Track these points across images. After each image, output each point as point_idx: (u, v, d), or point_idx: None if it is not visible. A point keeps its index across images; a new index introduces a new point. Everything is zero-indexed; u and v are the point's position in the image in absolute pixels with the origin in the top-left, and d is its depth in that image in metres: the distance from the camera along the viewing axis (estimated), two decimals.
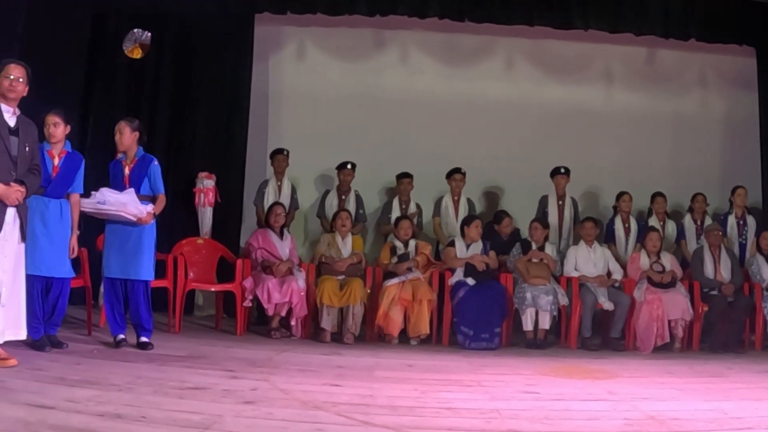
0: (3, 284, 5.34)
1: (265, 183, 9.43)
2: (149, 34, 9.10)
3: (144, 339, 6.69)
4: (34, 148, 5.71)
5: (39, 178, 5.76)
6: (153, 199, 6.87)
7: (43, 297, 6.28)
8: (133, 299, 6.75)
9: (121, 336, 6.75)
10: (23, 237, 5.59)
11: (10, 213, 5.43)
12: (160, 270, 8.03)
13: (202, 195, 9.23)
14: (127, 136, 6.94)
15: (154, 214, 6.82)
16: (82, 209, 6.59)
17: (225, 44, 9.94)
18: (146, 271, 6.80)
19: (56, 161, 6.41)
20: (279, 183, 9.38)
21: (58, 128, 6.41)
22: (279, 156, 9.41)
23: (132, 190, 6.72)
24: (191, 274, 8.31)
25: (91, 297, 7.40)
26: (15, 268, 5.48)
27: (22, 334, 5.56)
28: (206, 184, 9.27)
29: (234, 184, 9.76)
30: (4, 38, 7.54)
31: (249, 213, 9.71)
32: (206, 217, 9.26)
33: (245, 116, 9.92)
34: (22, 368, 5.22)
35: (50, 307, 6.35)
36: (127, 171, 6.89)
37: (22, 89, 5.60)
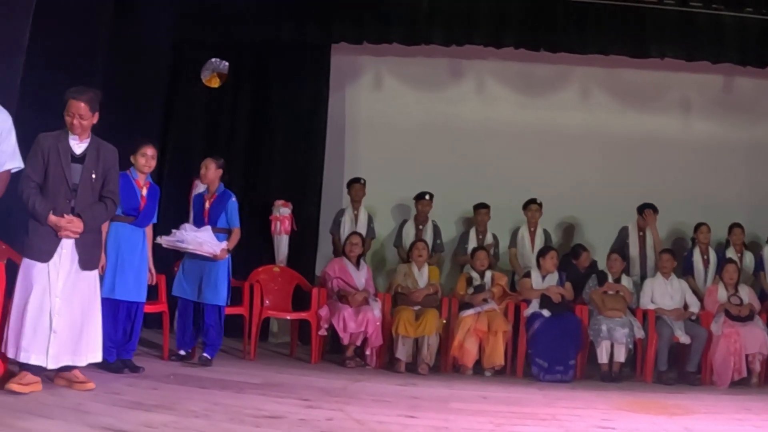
0: (54, 311, 5.21)
1: (342, 212, 9.46)
2: (227, 63, 9.24)
3: (206, 355, 7.07)
4: (109, 174, 5.57)
5: (113, 205, 5.62)
6: (229, 232, 7.37)
7: (124, 321, 6.42)
8: (206, 322, 7.18)
9: (183, 352, 7.25)
10: (90, 265, 5.47)
11: (68, 243, 5.33)
12: (235, 297, 8.10)
13: (278, 223, 9.28)
14: (211, 172, 7.42)
15: (228, 249, 7.24)
16: (164, 244, 7.01)
17: (302, 74, 10.02)
18: (220, 297, 7.14)
19: (144, 191, 6.58)
20: (356, 212, 9.40)
21: (154, 161, 6.67)
22: (356, 185, 9.44)
23: (209, 227, 7.19)
24: (267, 301, 8.33)
25: (169, 322, 7.47)
26: (73, 294, 5.33)
27: (82, 360, 5.41)
28: (283, 212, 9.32)
29: (310, 213, 9.79)
30: (87, 69, 7.69)
31: (325, 241, 9.73)
32: (282, 244, 9.30)
33: (322, 145, 9.98)
34: (100, 392, 5.28)
35: (127, 331, 6.47)
36: (207, 205, 7.40)
37: (87, 124, 5.41)
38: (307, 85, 10.05)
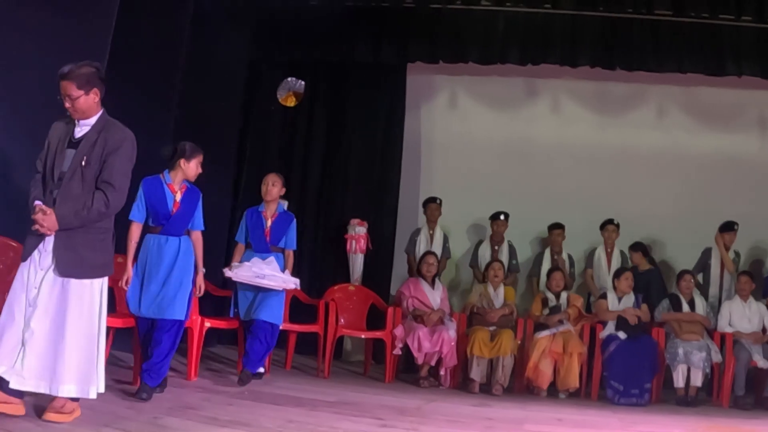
0: (28, 320, 4.39)
1: (417, 231, 9.47)
2: (303, 82, 9.34)
3: (252, 370, 6.73)
4: (109, 159, 4.59)
5: (106, 199, 4.53)
6: (282, 251, 7.27)
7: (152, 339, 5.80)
8: (254, 337, 6.84)
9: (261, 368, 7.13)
10: (73, 272, 4.51)
11: (50, 241, 4.49)
12: (310, 315, 8.19)
13: (353, 242, 9.34)
14: (277, 189, 7.28)
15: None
16: (237, 279, 6.89)
17: (377, 93, 10.13)
18: (275, 315, 6.95)
19: (178, 196, 6.05)
20: (431, 231, 9.41)
21: (198, 169, 6.18)
22: (432, 204, 9.45)
23: (273, 258, 7.02)
24: (342, 320, 8.37)
25: (243, 338, 7.53)
26: (50, 304, 4.45)
27: (56, 388, 4.42)
28: (358, 230, 9.38)
29: (386, 232, 9.84)
30: (163, 89, 7.84)
31: (400, 261, 9.74)
32: (357, 263, 9.35)
33: (398, 164, 10.04)
34: (175, 406, 5.34)
35: (150, 351, 5.77)
36: (269, 224, 7.24)
37: (82, 103, 4.59)
38: (383, 104, 10.15)
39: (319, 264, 9.89)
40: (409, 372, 8.33)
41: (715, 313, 8.32)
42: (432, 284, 8.38)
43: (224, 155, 9.28)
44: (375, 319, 8.63)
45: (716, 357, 7.79)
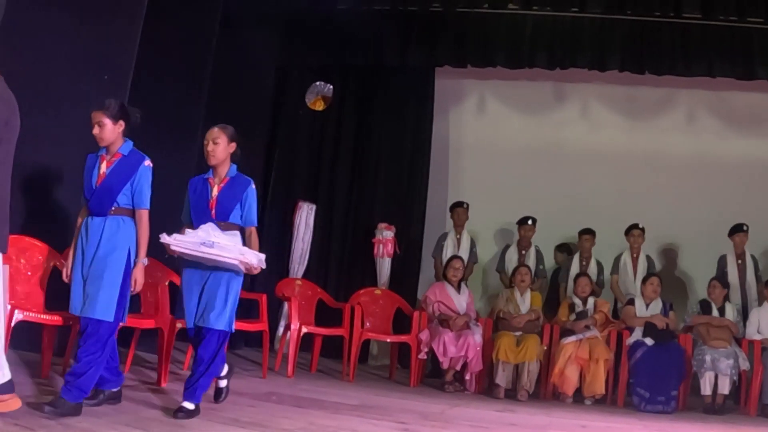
0: None
1: (445, 236, 9.46)
2: (331, 86, 9.37)
3: (186, 404, 4.99)
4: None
5: None
6: (241, 231, 5.30)
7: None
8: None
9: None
10: None
11: None
12: (336, 318, 8.21)
13: (381, 246, 9.36)
14: (222, 149, 5.29)
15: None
16: (176, 248, 4.96)
17: (406, 97, 10.16)
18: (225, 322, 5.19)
19: (104, 167, 4.91)
20: (458, 236, 9.39)
21: (103, 128, 4.85)
22: (459, 209, 9.44)
23: (237, 233, 5.23)
24: (367, 323, 8.38)
25: (269, 341, 7.54)
26: None
27: None
28: (386, 234, 9.41)
29: (413, 236, 9.85)
30: (191, 92, 7.90)
31: (427, 265, 9.73)
32: (384, 267, 9.38)
33: (426, 168, 10.05)
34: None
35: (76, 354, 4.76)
36: (215, 192, 5.27)
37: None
38: (411, 109, 10.17)
39: (346, 268, 9.91)
40: (435, 377, 8.31)
41: (740, 319, 8.22)
42: (458, 289, 8.36)
43: (252, 159, 9.31)
44: (401, 323, 8.61)
45: (744, 364, 7.69)
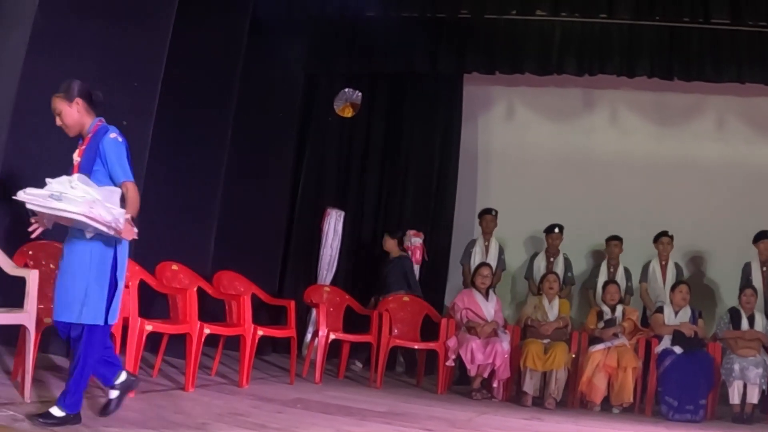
0: None
1: (473, 242, 9.46)
2: (360, 93, 9.39)
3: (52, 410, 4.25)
4: None
5: None
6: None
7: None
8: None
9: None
10: None
11: None
12: (364, 325, 8.22)
13: (409, 252, 9.36)
14: (68, 115, 4.48)
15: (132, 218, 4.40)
16: (29, 205, 4.13)
17: (434, 104, 10.18)
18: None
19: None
20: (486, 243, 9.39)
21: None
22: (487, 216, 9.44)
23: (117, 189, 4.41)
24: (395, 330, 8.38)
25: (296, 347, 7.56)
26: None
27: None
28: (414, 241, 9.42)
29: (441, 243, 9.87)
30: (220, 99, 7.97)
31: (455, 272, 9.74)
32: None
33: (454, 175, 10.07)
34: (225, 413, 5.38)
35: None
36: (77, 158, 4.51)
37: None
38: (440, 115, 10.19)
39: (373, 274, 9.92)
40: (462, 384, 8.29)
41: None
42: (486, 296, 8.34)
43: (281, 166, 9.39)
44: (429, 330, 8.59)
45: None
